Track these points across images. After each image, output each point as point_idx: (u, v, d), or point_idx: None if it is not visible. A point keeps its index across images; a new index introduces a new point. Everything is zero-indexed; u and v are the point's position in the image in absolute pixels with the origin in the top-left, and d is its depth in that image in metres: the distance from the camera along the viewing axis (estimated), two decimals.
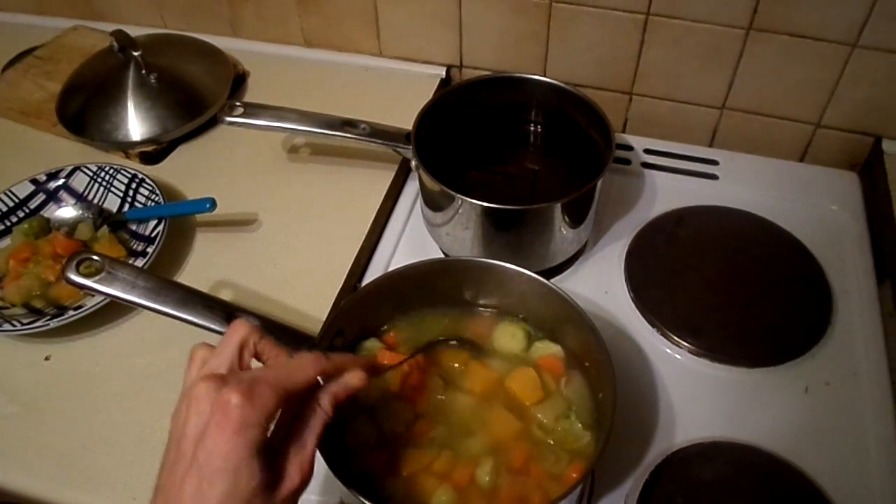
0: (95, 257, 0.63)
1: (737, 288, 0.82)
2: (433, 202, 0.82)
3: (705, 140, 1.01)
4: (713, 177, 0.95)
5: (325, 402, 0.48)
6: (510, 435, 0.63)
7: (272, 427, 0.45)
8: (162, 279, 0.64)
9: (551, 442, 0.63)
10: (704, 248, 0.86)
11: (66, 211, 0.89)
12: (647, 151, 0.98)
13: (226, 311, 0.63)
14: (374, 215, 0.88)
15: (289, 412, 0.48)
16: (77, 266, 0.62)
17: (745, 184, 0.93)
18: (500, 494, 0.60)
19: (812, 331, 0.78)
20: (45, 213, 0.88)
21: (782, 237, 0.87)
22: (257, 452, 0.42)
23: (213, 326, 0.62)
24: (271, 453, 0.44)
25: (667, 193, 0.93)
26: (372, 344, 0.69)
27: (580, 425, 0.63)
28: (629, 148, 0.99)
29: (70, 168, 0.90)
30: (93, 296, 0.76)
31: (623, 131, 1.03)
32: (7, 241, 0.85)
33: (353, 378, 0.51)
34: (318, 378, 0.49)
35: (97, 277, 0.63)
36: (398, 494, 0.59)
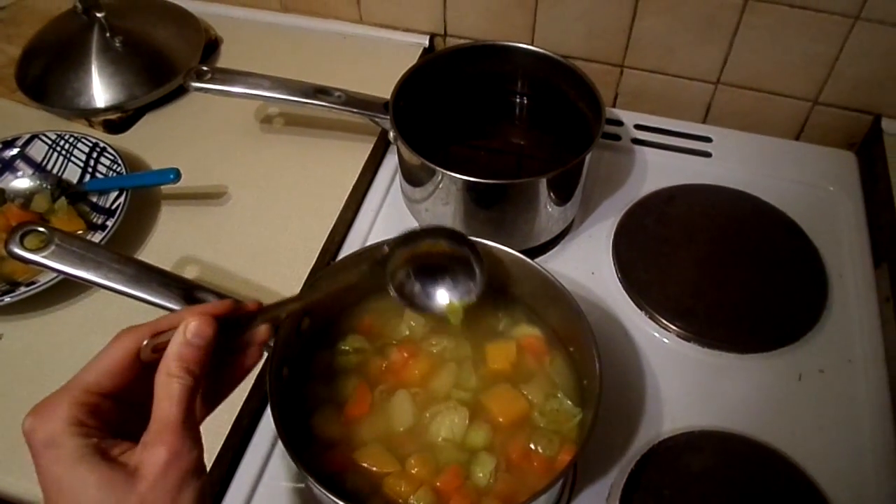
0: (42, 229, 0.58)
1: (729, 270, 0.79)
2: (412, 176, 0.78)
3: (698, 116, 0.97)
4: (706, 154, 0.92)
5: (173, 367, 0.43)
6: (513, 418, 0.59)
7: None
8: (115, 254, 0.59)
9: (543, 424, 0.59)
10: (696, 228, 0.83)
11: (22, 181, 0.84)
12: (638, 127, 0.95)
13: (184, 289, 0.59)
14: (350, 190, 0.84)
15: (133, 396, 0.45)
16: (21, 238, 0.57)
17: (738, 162, 0.90)
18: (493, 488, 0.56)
19: (806, 316, 0.75)
20: (0, 183, 0.83)
21: (777, 218, 0.84)
22: (80, 459, 0.39)
23: (169, 305, 0.57)
24: (121, 445, 0.41)
25: (657, 171, 0.89)
26: (352, 340, 0.64)
27: (570, 402, 0.60)
28: (619, 123, 0.95)
29: (28, 136, 0.85)
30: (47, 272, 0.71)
31: (613, 106, 0.99)
32: None
33: (189, 327, 0.44)
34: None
35: (45, 252, 0.58)
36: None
